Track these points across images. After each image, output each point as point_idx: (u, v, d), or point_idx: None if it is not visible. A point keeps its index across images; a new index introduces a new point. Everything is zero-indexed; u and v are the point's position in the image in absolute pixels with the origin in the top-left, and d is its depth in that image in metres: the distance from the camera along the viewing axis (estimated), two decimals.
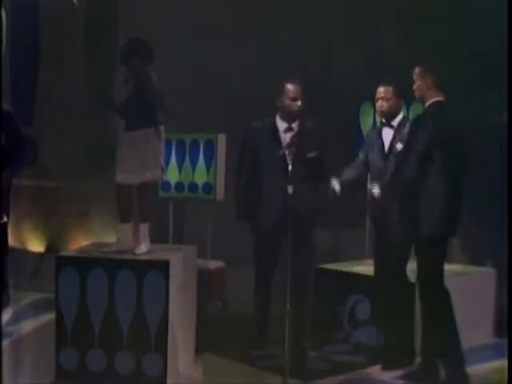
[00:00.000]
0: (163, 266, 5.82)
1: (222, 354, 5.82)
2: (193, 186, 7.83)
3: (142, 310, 5.79)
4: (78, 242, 8.16)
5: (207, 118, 7.83)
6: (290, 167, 5.18)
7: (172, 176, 7.89)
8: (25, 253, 8.13)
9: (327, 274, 6.55)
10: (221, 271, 7.67)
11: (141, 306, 5.79)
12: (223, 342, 6.21)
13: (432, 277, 5.44)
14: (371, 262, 6.20)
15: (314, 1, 8.13)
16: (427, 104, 5.50)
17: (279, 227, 5.69)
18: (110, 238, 6.71)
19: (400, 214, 5.58)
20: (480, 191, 7.26)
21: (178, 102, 7.21)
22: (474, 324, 6.64)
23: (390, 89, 5.86)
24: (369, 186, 5.94)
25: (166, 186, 7.91)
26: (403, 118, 5.96)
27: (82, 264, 5.89)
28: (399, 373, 5.68)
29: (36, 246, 8.45)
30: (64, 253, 7.15)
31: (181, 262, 6.18)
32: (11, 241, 6.34)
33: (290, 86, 5.89)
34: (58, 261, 5.93)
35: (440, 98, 5.49)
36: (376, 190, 5.68)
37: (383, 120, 5.95)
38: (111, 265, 5.86)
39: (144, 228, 6.12)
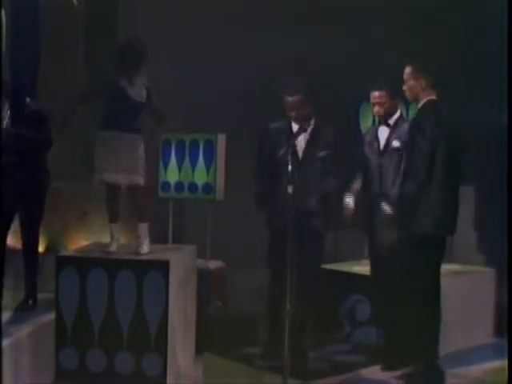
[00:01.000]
0: (163, 266, 5.82)
1: (222, 354, 5.82)
2: (192, 186, 7.83)
3: (141, 310, 5.79)
4: (78, 242, 8.16)
5: (207, 118, 7.82)
6: (289, 167, 5.19)
7: (172, 176, 7.89)
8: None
9: (327, 274, 6.54)
10: (221, 271, 7.66)
11: (141, 306, 5.79)
12: (223, 342, 6.21)
13: (429, 277, 5.42)
14: None
15: (314, 1, 8.14)
16: (422, 103, 5.49)
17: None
18: (109, 238, 6.70)
19: (398, 213, 5.58)
20: (480, 191, 7.27)
21: (178, 101, 7.24)
22: (474, 324, 6.65)
23: (384, 93, 5.91)
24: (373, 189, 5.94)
25: (166, 186, 7.90)
26: (400, 115, 6.02)
27: (82, 264, 5.89)
28: (399, 373, 5.67)
29: None
30: (64, 253, 7.15)
31: (181, 262, 6.18)
32: (11, 241, 6.35)
33: (288, 99, 5.98)
34: (58, 261, 5.93)
35: (433, 97, 5.49)
36: (387, 208, 5.71)
37: (382, 120, 6.00)
38: (111, 265, 5.86)
39: (143, 228, 6.12)
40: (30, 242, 6.23)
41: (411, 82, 5.51)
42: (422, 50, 6.95)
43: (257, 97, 7.68)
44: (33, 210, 6.18)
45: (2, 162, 5.92)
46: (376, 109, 5.97)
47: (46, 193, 6.25)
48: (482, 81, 7.19)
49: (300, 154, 5.93)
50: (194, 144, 7.81)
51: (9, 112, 6.06)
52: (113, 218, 6.18)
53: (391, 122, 5.95)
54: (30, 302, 6.19)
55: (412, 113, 6.52)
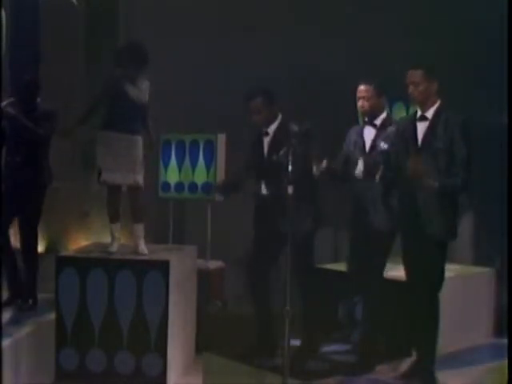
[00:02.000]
0: (163, 266, 5.82)
1: (222, 354, 5.81)
2: (193, 186, 7.83)
3: (141, 310, 5.79)
4: (78, 242, 8.16)
5: (207, 118, 7.82)
6: (290, 167, 5.17)
7: (172, 176, 7.89)
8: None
9: (327, 274, 6.54)
10: (220, 271, 7.67)
11: (141, 306, 5.80)
12: (223, 342, 6.21)
13: (428, 280, 5.40)
14: None
15: (313, 0, 8.14)
16: (435, 107, 5.40)
17: (275, 229, 5.70)
18: (109, 238, 6.70)
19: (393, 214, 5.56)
20: (480, 191, 7.26)
21: (178, 101, 7.24)
22: (474, 324, 6.65)
23: (371, 88, 5.73)
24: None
25: (166, 186, 7.91)
26: (387, 116, 5.84)
27: (82, 264, 5.90)
28: (399, 373, 5.66)
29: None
30: (64, 253, 7.16)
31: (181, 262, 6.18)
32: (12, 241, 6.35)
33: (251, 102, 5.96)
34: (58, 261, 5.94)
35: (440, 102, 5.44)
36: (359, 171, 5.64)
37: (365, 119, 5.86)
38: (111, 265, 5.87)
39: (139, 228, 6.13)
40: (28, 241, 6.23)
41: (424, 85, 5.37)
42: (421, 50, 6.94)
43: None
44: (30, 209, 6.18)
45: (2, 161, 5.95)
46: (360, 103, 5.77)
47: (45, 192, 6.24)
48: (482, 81, 7.19)
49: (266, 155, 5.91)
50: (194, 144, 7.82)
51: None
52: (113, 218, 6.19)
53: (377, 122, 5.76)
54: (30, 301, 6.20)
55: (397, 112, 6.47)
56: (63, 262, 5.93)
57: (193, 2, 8.26)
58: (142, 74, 6.02)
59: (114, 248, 6.08)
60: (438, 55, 6.88)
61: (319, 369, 5.83)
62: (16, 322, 5.83)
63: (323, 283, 6.27)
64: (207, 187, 7.75)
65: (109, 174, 5.99)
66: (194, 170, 7.82)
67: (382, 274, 5.72)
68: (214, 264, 7.66)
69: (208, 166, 7.74)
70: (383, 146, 5.67)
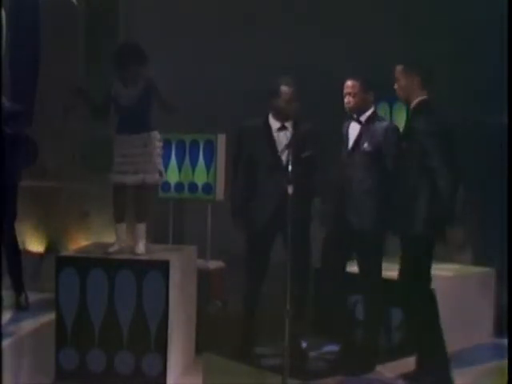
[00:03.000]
0: (163, 266, 5.82)
1: (222, 354, 5.81)
2: (193, 186, 7.83)
3: (141, 309, 5.79)
4: (78, 242, 8.16)
5: (207, 118, 7.82)
6: (290, 167, 5.16)
7: (172, 176, 7.89)
8: (25, 253, 8.13)
9: (326, 274, 6.53)
10: (220, 271, 7.66)
11: (141, 305, 5.80)
12: (223, 342, 6.21)
13: (419, 278, 5.39)
14: None
15: (313, 0, 8.14)
16: (414, 103, 5.42)
17: (272, 227, 5.67)
18: (109, 237, 6.71)
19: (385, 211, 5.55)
20: (480, 191, 7.27)
21: (178, 102, 7.21)
22: (474, 324, 6.64)
23: (357, 84, 5.65)
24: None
25: (166, 186, 7.91)
26: (372, 113, 5.75)
27: (82, 264, 5.90)
28: (399, 373, 5.66)
29: (36, 246, 8.45)
30: (64, 253, 7.16)
31: (181, 262, 6.18)
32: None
33: (284, 88, 5.84)
34: (58, 261, 5.94)
35: (425, 97, 5.43)
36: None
37: (353, 115, 5.81)
38: (111, 265, 5.87)
39: (141, 228, 6.13)
40: (7, 242, 6.17)
41: (403, 81, 5.41)
42: (420, 51, 6.94)
43: (257, 97, 7.67)
44: (6, 211, 6.12)
45: None
46: (346, 99, 5.69)
47: (17, 191, 6.16)
48: (482, 81, 7.19)
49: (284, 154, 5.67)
50: (194, 144, 7.82)
51: None
52: (119, 218, 6.17)
53: (363, 118, 5.69)
54: (23, 301, 6.16)
55: (396, 113, 6.46)
56: (63, 262, 5.93)
57: (193, 1, 8.26)
58: (140, 72, 6.01)
59: (114, 248, 6.08)
60: (437, 55, 6.89)
61: (319, 369, 5.83)
62: (16, 321, 5.83)
63: (323, 283, 6.27)
64: (207, 187, 7.75)
65: (118, 175, 6.02)
66: (193, 170, 7.81)
67: (379, 273, 5.72)
68: (214, 264, 7.66)
69: (208, 166, 7.74)
70: (367, 146, 5.62)
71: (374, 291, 5.69)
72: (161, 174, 6.18)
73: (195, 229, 8.04)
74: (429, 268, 5.44)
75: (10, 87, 7.21)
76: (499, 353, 6.04)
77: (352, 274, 5.96)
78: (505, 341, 5.92)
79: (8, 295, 6.15)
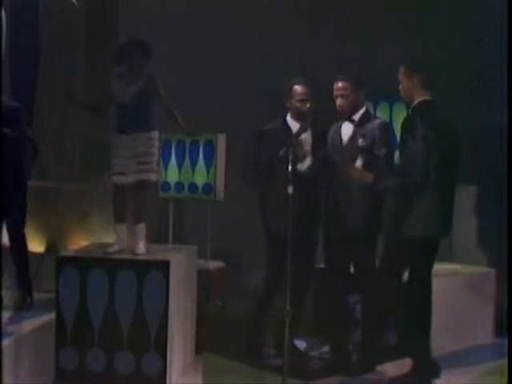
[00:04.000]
0: (163, 266, 5.82)
1: (222, 354, 5.82)
2: (193, 186, 7.82)
3: (141, 309, 5.79)
4: (78, 242, 8.16)
5: (207, 118, 7.82)
6: (289, 167, 5.15)
7: (172, 176, 7.88)
8: None
9: (327, 274, 6.53)
10: (221, 271, 7.66)
11: (141, 306, 5.79)
12: (223, 342, 6.21)
13: (420, 279, 5.39)
14: None
15: (315, 1, 8.14)
16: (415, 103, 5.42)
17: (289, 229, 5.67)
18: (109, 237, 6.70)
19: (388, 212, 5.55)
20: (480, 191, 7.27)
21: (178, 102, 7.21)
22: (474, 324, 6.65)
23: (348, 84, 5.66)
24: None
25: (166, 186, 7.90)
26: (365, 112, 5.78)
27: (82, 264, 5.89)
28: (399, 373, 5.66)
29: (36, 245, 8.45)
30: (64, 253, 7.15)
31: (181, 262, 6.18)
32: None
33: (298, 88, 5.84)
34: (58, 261, 5.93)
35: (428, 97, 5.43)
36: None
37: (346, 116, 5.77)
38: (111, 265, 5.86)
39: (140, 228, 6.13)
40: (16, 242, 6.19)
41: (404, 82, 5.43)
42: (421, 50, 6.94)
43: (257, 97, 7.67)
44: (13, 211, 6.14)
45: None
46: (339, 101, 5.69)
47: (26, 190, 6.20)
48: (482, 81, 7.19)
49: (307, 154, 5.75)
50: (194, 144, 7.81)
51: None
52: (119, 218, 6.17)
53: (356, 117, 5.69)
54: (29, 300, 6.19)
55: (396, 113, 6.46)
56: (63, 262, 5.92)
57: (193, 2, 8.26)
58: (140, 71, 6.00)
59: (114, 248, 6.07)
60: (437, 55, 6.88)
61: (319, 369, 5.84)
62: (16, 321, 5.83)
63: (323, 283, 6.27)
64: (207, 187, 7.75)
65: (117, 176, 6.01)
66: (193, 170, 7.81)
67: (376, 273, 5.72)
68: (214, 264, 7.66)
69: (208, 166, 7.73)
70: (361, 142, 5.60)
71: (374, 291, 5.69)
72: (158, 173, 6.17)
73: (195, 229, 8.04)
74: (428, 271, 5.43)
75: (10, 87, 7.22)
76: (499, 353, 6.04)
77: (352, 274, 5.98)
78: (505, 341, 5.93)
79: (8, 295, 6.16)
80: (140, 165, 6.00)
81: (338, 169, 5.69)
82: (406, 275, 5.56)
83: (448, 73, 7.04)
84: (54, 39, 8.21)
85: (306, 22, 8.10)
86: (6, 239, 6.30)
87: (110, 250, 6.05)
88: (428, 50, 6.93)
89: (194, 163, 7.81)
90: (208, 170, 7.73)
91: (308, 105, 5.82)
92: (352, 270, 5.89)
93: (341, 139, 5.75)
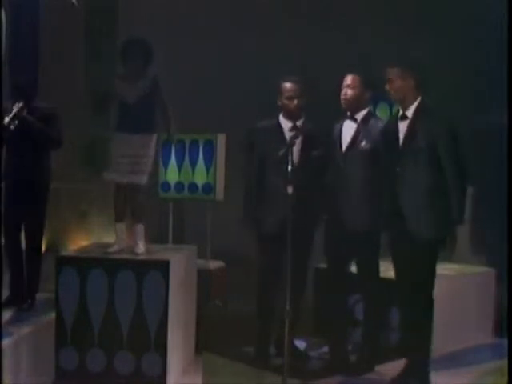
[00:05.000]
0: (163, 266, 5.82)
1: (222, 354, 5.81)
2: (192, 186, 7.83)
3: (141, 309, 5.79)
4: (78, 242, 8.16)
5: (207, 118, 7.82)
6: (289, 167, 5.14)
7: (172, 176, 7.89)
8: None
9: (327, 274, 6.53)
10: (221, 271, 7.66)
11: (141, 306, 5.79)
12: (223, 342, 6.21)
13: (417, 280, 5.38)
14: None
15: (313, 0, 8.14)
16: (415, 104, 5.37)
17: (283, 228, 5.64)
18: (109, 238, 6.70)
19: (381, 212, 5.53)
20: (480, 191, 7.27)
21: (178, 102, 7.21)
22: (474, 324, 6.65)
23: (358, 78, 5.62)
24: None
25: (166, 186, 7.91)
26: (368, 112, 5.72)
27: (82, 264, 5.89)
28: (398, 373, 5.65)
29: None
30: (64, 253, 7.15)
31: (181, 262, 6.18)
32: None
33: (286, 85, 5.80)
34: (58, 261, 5.94)
35: (420, 97, 5.38)
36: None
37: (348, 113, 5.72)
38: (111, 265, 5.87)
39: (139, 228, 6.13)
40: (33, 242, 6.20)
41: (398, 83, 5.35)
42: (420, 50, 6.94)
43: (257, 97, 7.68)
44: (36, 209, 6.16)
45: (4, 163, 5.93)
46: (343, 91, 5.64)
47: (48, 193, 6.24)
48: (482, 81, 7.19)
49: (296, 153, 5.59)
50: (194, 144, 7.81)
51: (16, 110, 6.01)
52: (119, 217, 6.17)
53: (359, 117, 5.64)
54: (29, 301, 6.19)
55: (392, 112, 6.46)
56: (63, 262, 5.93)
57: (193, 1, 8.26)
58: (144, 72, 6.01)
59: (114, 248, 6.08)
60: (438, 55, 6.89)
61: (319, 369, 5.83)
62: (16, 321, 5.82)
63: (323, 283, 6.27)
64: (207, 187, 7.75)
65: (113, 173, 6.01)
66: (193, 170, 7.81)
67: (377, 273, 5.71)
68: (214, 264, 7.66)
69: (208, 166, 7.73)
70: (364, 145, 5.58)
71: (374, 291, 5.69)
72: (147, 177, 6.16)
73: (195, 229, 8.04)
74: (431, 271, 5.42)
75: (10, 87, 7.21)
76: (499, 353, 6.04)
77: (352, 274, 5.97)
78: (505, 341, 5.92)
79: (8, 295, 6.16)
80: (135, 165, 6.00)
81: (340, 167, 5.66)
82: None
83: (448, 73, 7.06)
84: (53, 39, 8.21)
85: (306, 22, 8.10)
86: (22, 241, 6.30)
87: (110, 249, 6.06)
88: (426, 50, 6.92)
89: (193, 163, 7.82)
90: (208, 170, 7.74)
91: (295, 101, 5.76)
92: (353, 269, 5.87)
93: (341, 139, 5.72)
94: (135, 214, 6.15)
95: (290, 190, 5.10)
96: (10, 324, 5.71)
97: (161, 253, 6.21)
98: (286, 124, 5.82)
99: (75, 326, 5.85)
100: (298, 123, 5.80)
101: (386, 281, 5.74)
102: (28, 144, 6.01)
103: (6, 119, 5.85)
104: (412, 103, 5.34)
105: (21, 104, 5.95)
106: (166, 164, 7.91)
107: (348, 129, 5.69)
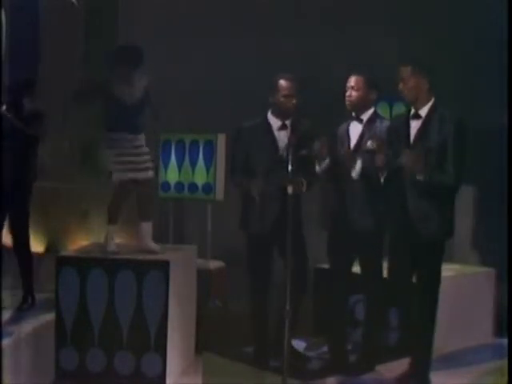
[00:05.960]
0: (163, 266, 5.83)
1: (222, 354, 5.81)
2: (192, 186, 7.83)
3: (141, 309, 5.80)
4: (78, 242, 8.16)
5: (207, 118, 7.82)
6: (289, 167, 5.12)
7: (172, 176, 7.89)
8: None
9: (327, 274, 6.53)
10: (221, 271, 7.66)
11: (141, 306, 5.80)
12: (223, 342, 6.21)
13: (427, 281, 5.38)
14: None
15: (314, 1, 8.14)
16: (428, 106, 5.35)
17: (275, 229, 5.62)
18: (107, 238, 6.67)
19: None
20: (480, 191, 7.27)
21: (178, 101, 7.24)
22: (474, 324, 6.64)
23: (361, 79, 5.58)
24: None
25: (166, 186, 7.91)
26: (374, 113, 5.69)
27: (82, 264, 5.90)
28: (397, 373, 5.65)
29: (36, 245, 8.45)
30: (64, 253, 7.15)
31: (181, 262, 6.18)
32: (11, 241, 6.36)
33: (283, 83, 5.74)
34: (58, 261, 5.94)
35: (433, 100, 5.38)
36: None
37: (353, 114, 5.68)
38: (111, 265, 5.87)
39: (148, 226, 6.15)
40: (20, 240, 6.22)
41: (412, 83, 5.34)
42: (421, 50, 6.94)
43: (257, 97, 7.68)
44: (19, 208, 6.17)
45: None
46: (348, 93, 5.60)
47: (32, 191, 6.25)
48: (483, 81, 7.19)
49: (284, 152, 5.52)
50: (194, 144, 7.81)
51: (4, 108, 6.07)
52: (113, 219, 6.19)
53: (364, 117, 5.62)
54: (30, 300, 6.20)
55: (398, 112, 6.44)
56: (63, 262, 5.93)
57: (192, 1, 8.26)
58: (138, 73, 6.02)
59: (112, 247, 6.08)
60: (438, 55, 6.88)
61: (319, 369, 5.83)
62: (16, 321, 5.83)
63: (323, 283, 6.27)
64: (207, 187, 7.75)
65: (120, 173, 6.02)
66: (193, 170, 7.81)
67: (381, 273, 5.71)
68: (214, 264, 7.66)
69: (208, 166, 7.73)
70: (371, 145, 5.56)
71: (376, 291, 5.69)
72: (153, 170, 6.22)
73: (195, 229, 8.04)
74: (437, 270, 5.42)
75: (10, 87, 7.21)
76: (499, 353, 6.04)
77: (355, 274, 5.97)
78: (505, 341, 5.92)
79: (8, 295, 6.16)
80: (141, 163, 6.02)
81: (346, 168, 5.64)
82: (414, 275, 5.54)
83: (448, 73, 7.06)
84: (53, 39, 8.21)
85: (306, 22, 8.10)
86: (8, 240, 6.31)
87: (109, 249, 6.06)
88: (429, 50, 6.93)
89: (193, 163, 7.82)
90: (208, 170, 7.74)
91: (294, 101, 5.73)
92: (355, 269, 5.86)
93: (349, 139, 5.71)
94: (144, 212, 6.16)
95: (290, 189, 5.09)
96: (10, 324, 5.71)
97: (161, 253, 6.21)
98: (275, 122, 5.74)
99: (75, 326, 5.85)
100: (287, 122, 5.74)
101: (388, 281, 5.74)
102: (11, 143, 6.03)
103: None
104: (425, 103, 5.33)
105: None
106: (166, 164, 7.91)
107: (354, 129, 5.68)
